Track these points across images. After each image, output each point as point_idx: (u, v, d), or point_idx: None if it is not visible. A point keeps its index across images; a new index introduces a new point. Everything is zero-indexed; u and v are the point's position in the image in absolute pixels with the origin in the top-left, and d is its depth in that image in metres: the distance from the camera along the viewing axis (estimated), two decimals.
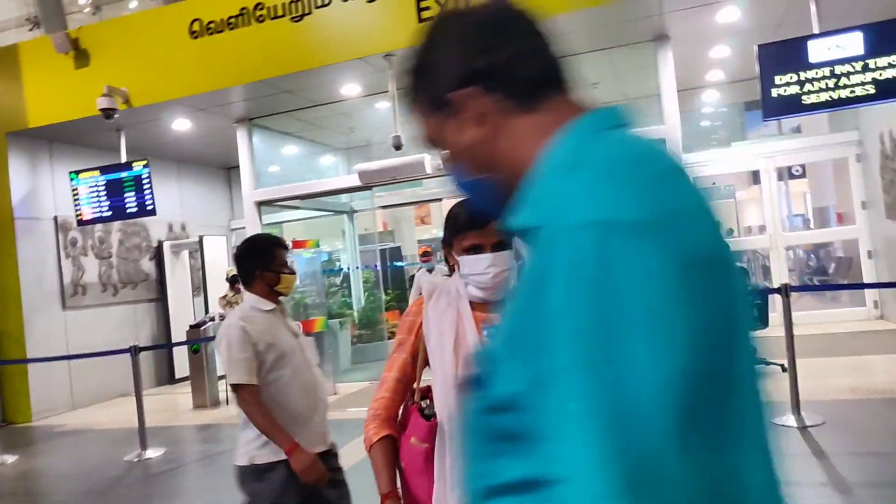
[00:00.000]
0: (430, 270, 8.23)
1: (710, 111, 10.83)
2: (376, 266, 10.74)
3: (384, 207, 10.54)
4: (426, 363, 1.64)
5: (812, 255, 12.64)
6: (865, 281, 8.25)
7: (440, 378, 1.56)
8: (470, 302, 1.63)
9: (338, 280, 10.57)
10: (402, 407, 1.66)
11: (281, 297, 2.59)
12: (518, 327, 0.64)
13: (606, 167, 0.67)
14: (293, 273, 2.60)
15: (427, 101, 0.82)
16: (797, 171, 13.84)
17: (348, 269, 10.36)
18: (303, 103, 8.30)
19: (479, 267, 1.59)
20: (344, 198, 9.72)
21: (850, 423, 4.56)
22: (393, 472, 1.58)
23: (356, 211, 10.18)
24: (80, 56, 7.71)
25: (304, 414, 2.47)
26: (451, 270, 1.74)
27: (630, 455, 0.54)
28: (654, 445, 0.55)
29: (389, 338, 8.30)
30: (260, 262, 2.54)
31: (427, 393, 1.63)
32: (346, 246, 10.40)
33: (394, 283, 10.83)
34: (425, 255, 8.71)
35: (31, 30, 9.64)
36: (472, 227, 1.60)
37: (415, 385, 1.66)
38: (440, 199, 9.76)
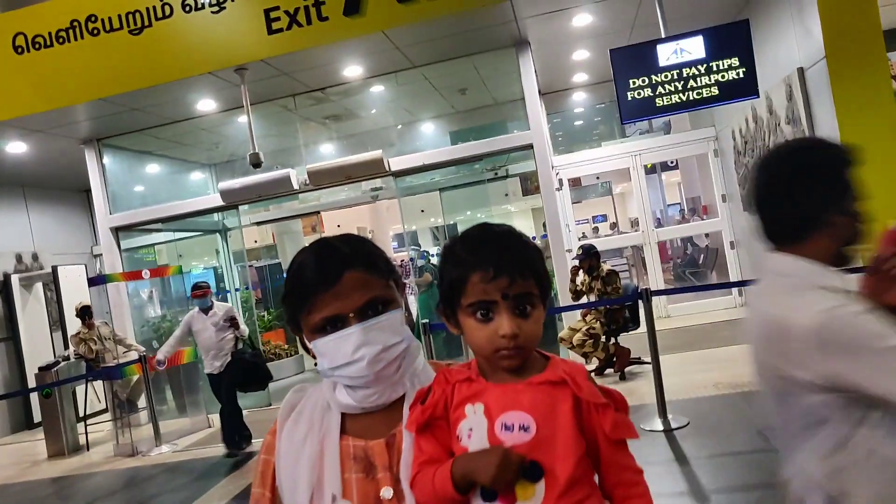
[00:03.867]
0: (205, 310, 5.87)
1: (585, 111, 11.06)
2: (252, 286, 10.10)
3: (259, 224, 10.00)
4: None
5: (687, 245, 13.21)
6: (730, 271, 8.65)
7: None
8: (343, 416, 1.03)
9: None
10: None
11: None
12: None
13: None
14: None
15: None
16: (672, 162, 14.35)
17: (222, 291, 9.70)
18: (156, 121, 7.70)
19: (344, 352, 0.97)
20: (217, 215, 9.14)
21: (713, 423, 4.65)
22: None
23: (230, 229, 9.60)
24: None
25: None
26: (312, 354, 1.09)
27: None
28: None
29: (269, 360, 7.81)
30: (832, 196, 1.29)
31: None
32: (221, 266, 9.78)
33: (276, 301, 10.31)
34: (197, 290, 5.89)
35: None
36: (322, 286, 0.97)
37: None
38: (317, 213, 9.39)
